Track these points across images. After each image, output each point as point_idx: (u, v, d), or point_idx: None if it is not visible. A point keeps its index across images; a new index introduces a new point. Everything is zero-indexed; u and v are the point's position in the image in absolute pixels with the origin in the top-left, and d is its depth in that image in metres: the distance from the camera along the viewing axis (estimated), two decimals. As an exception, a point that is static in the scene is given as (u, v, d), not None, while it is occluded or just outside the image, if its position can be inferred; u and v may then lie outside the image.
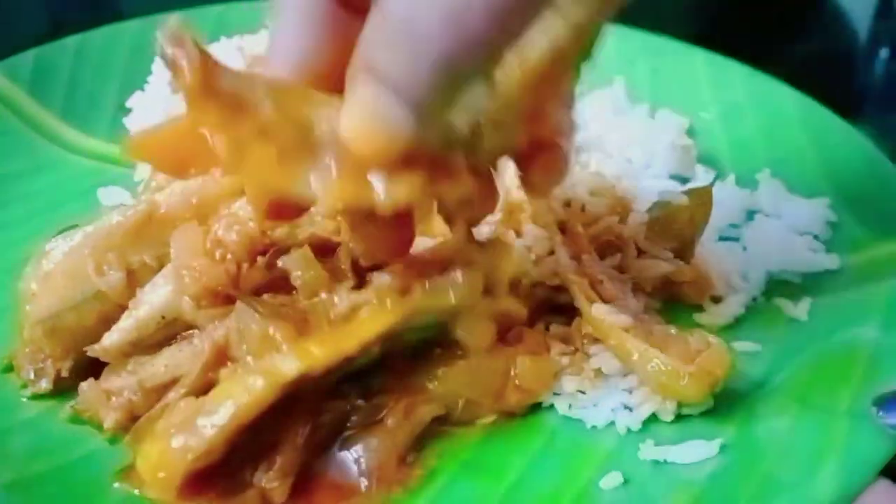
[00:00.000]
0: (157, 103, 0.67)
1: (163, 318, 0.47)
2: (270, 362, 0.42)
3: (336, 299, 0.45)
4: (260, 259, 0.47)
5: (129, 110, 0.80)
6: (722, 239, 0.68)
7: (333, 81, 0.42)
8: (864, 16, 1.28)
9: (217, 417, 0.41)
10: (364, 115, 0.38)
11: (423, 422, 0.49)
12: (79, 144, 0.78)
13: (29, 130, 0.78)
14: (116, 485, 0.47)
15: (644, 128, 0.79)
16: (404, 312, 0.45)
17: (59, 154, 0.77)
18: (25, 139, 0.76)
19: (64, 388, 0.53)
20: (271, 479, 0.44)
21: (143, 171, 0.71)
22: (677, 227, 0.62)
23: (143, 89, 0.73)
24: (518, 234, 0.63)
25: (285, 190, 0.39)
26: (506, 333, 0.53)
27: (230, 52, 0.71)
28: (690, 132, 0.81)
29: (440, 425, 0.51)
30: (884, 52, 1.20)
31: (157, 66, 0.72)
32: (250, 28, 0.88)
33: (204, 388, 0.45)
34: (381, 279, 0.46)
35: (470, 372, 0.50)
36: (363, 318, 0.45)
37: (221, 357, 0.45)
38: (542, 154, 0.47)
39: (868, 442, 0.46)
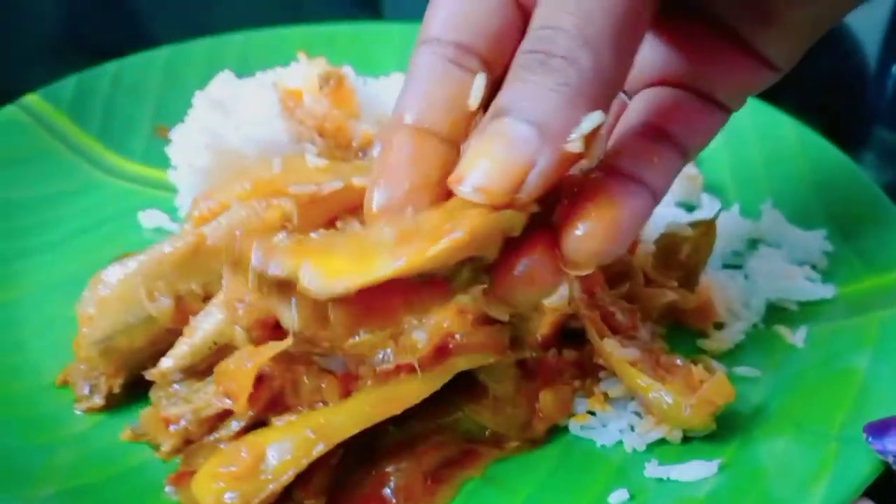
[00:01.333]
0: (197, 135, 0.72)
1: (215, 343, 0.52)
2: (325, 420, 0.48)
3: (381, 356, 0.50)
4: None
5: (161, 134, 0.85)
6: (726, 266, 0.73)
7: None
8: (874, 33, 1.31)
9: (275, 474, 0.46)
10: (490, 146, 0.39)
11: (450, 453, 0.53)
12: (117, 167, 0.82)
13: (70, 154, 0.82)
14: (167, 489, 0.52)
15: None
16: (444, 379, 0.50)
17: (99, 177, 0.81)
18: (67, 162, 0.81)
19: (114, 404, 0.58)
20: (308, 497, 0.49)
21: (183, 197, 0.75)
22: (682, 257, 0.66)
23: (182, 119, 0.77)
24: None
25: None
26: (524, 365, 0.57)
27: (265, 88, 0.75)
28: (698, 160, 0.85)
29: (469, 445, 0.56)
30: (895, 69, 1.24)
31: (197, 99, 0.76)
32: (274, 55, 0.92)
33: (254, 423, 0.50)
34: (419, 337, 0.50)
35: (496, 411, 0.55)
36: (407, 383, 0.49)
37: (274, 401, 0.50)
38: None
39: (855, 464, 0.50)
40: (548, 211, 0.42)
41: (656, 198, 0.47)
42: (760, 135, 0.84)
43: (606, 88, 0.40)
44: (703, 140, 0.51)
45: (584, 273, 0.42)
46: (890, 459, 0.49)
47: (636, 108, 0.50)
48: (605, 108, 0.40)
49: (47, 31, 1.18)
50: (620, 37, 0.39)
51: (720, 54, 0.49)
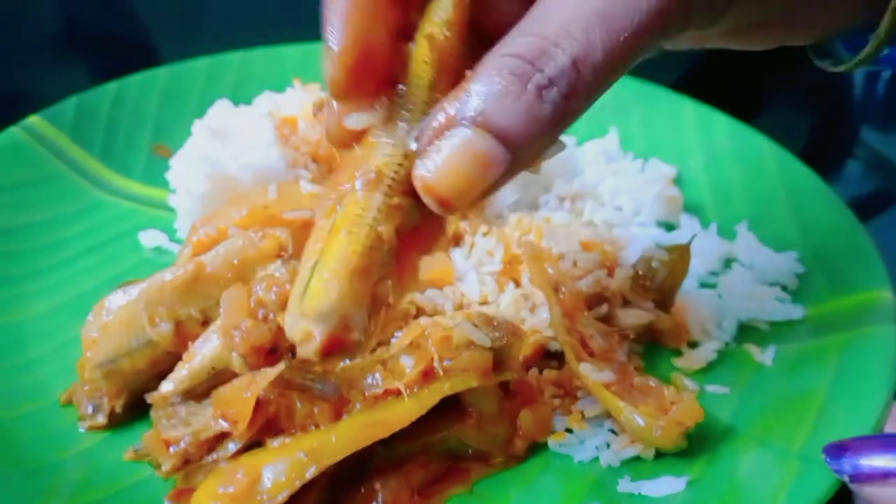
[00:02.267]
0: (196, 163, 0.75)
1: (213, 368, 0.55)
2: (318, 443, 0.51)
3: (370, 380, 0.53)
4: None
5: (163, 151, 0.88)
6: (702, 285, 0.76)
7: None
8: None
9: (270, 495, 0.49)
10: (455, 155, 0.39)
11: (435, 470, 0.57)
12: (118, 187, 0.85)
13: (73, 174, 0.85)
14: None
15: (634, 177, 0.86)
16: (430, 402, 0.53)
17: (101, 197, 0.84)
18: (70, 183, 0.84)
19: (117, 422, 0.61)
20: (301, 512, 0.52)
21: (182, 220, 0.78)
22: (658, 280, 0.69)
23: (180, 139, 0.81)
24: (517, 283, 0.71)
25: None
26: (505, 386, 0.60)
27: (261, 115, 0.78)
28: (678, 180, 0.88)
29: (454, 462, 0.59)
30: (885, 73, 1.26)
31: (196, 127, 0.79)
32: (271, 74, 0.95)
33: (250, 444, 0.53)
34: (406, 363, 0.54)
35: (479, 430, 0.58)
36: (395, 406, 0.53)
37: (269, 425, 0.53)
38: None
39: (814, 483, 0.53)
40: None
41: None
42: (739, 157, 0.88)
43: (577, 118, 0.42)
44: None
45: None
46: (846, 479, 0.52)
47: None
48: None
49: (48, 29, 1.20)
50: (613, 75, 0.41)
51: None
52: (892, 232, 0.96)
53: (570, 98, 0.40)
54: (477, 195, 0.41)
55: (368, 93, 0.45)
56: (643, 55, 0.43)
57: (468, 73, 0.41)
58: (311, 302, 0.41)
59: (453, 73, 0.43)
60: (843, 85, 1.26)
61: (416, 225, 0.44)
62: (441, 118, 0.40)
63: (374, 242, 0.42)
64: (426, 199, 0.41)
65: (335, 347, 0.41)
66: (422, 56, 0.44)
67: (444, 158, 0.40)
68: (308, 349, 0.41)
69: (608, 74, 0.41)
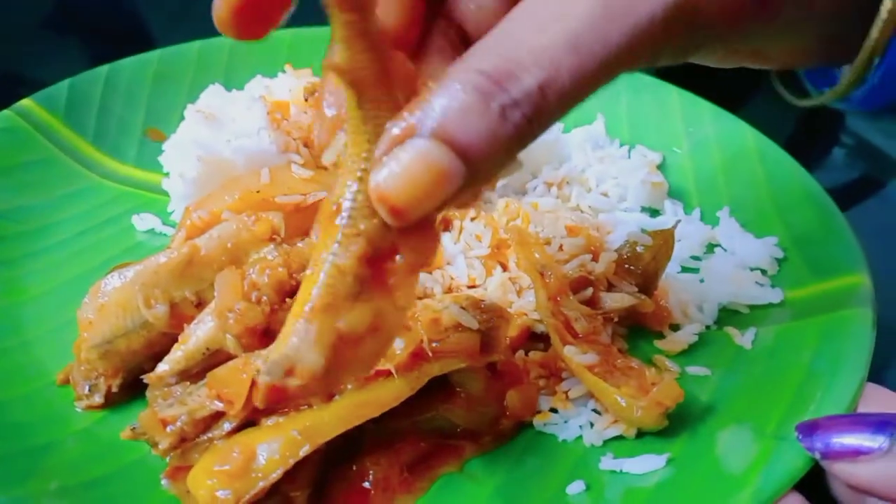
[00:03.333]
0: (189, 147, 0.76)
1: (207, 349, 0.56)
2: (310, 422, 0.53)
3: None
4: (288, 300, 0.56)
5: (155, 135, 0.89)
6: (684, 269, 0.78)
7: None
8: None
9: (265, 473, 0.51)
10: (412, 164, 0.39)
11: (425, 449, 0.59)
12: (111, 170, 0.86)
13: (66, 157, 0.85)
14: (164, 482, 0.57)
15: (620, 164, 0.88)
16: (419, 383, 0.55)
17: (94, 180, 0.85)
18: (64, 167, 0.84)
19: (113, 402, 0.63)
20: (293, 490, 0.54)
21: (175, 204, 0.80)
22: (642, 264, 0.71)
23: (172, 123, 0.82)
24: (504, 267, 0.73)
25: None
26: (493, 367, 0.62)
27: (253, 100, 0.79)
28: (663, 166, 0.90)
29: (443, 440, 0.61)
30: (877, 60, 1.27)
31: (189, 112, 0.80)
32: (262, 59, 0.96)
33: (244, 423, 0.55)
34: (397, 344, 0.55)
35: (467, 409, 0.60)
36: (385, 387, 0.54)
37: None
38: None
39: (787, 460, 0.55)
40: None
41: None
42: (723, 144, 0.89)
43: (536, 138, 0.42)
44: None
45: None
46: (817, 456, 0.54)
47: None
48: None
49: (42, 13, 1.20)
50: (578, 100, 0.41)
51: None
52: (877, 218, 0.99)
53: (533, 121, 0.40)
54: (430, 207, 0.40)
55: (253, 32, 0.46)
56: (609, 82, 0.43)
57: (431, 84, 0.40)
58: (272, 352, 0.41)
59: (401, 79, 0.42)
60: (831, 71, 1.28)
61: (396, 242, 0.42)
62: (401, 126, 0.40)
63: (333, 278, 0.41)
64: (379, 208, 0.40)
65: (273, 399, 0.41)
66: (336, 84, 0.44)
67: (400, 167, 0.39)
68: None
69: (573, 100, 0.41)
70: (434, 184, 0.39)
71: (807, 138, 1.15)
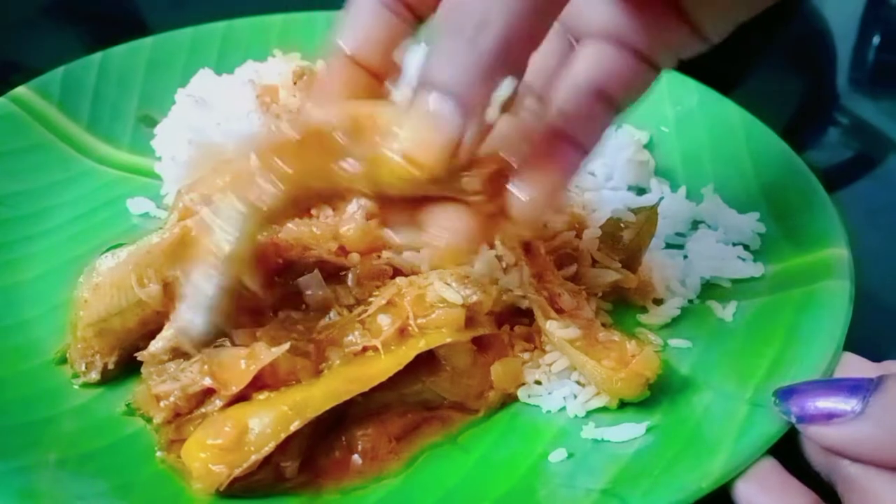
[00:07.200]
0: (180, 130, 0.77)
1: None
2: (301, 398, 0.55)
3: (350, 338, 0.56)
4: (277, 280, 0.58)
5: (148, 120, 0.90)
6: (669, 246, 0.79)
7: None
8: (856, 2, 1.35)
9: (256, 447, 0.53)
10: (419, 121, 0.45)
11: (412, 420, 0.60)
12: (105, 156, 0.88)
13: (61, 144, 0.87)
14: (159, 454, 0.59)
15: (607, 143, 0.89)
16: (407, 358, 0.57)
17: (89, 165, 0.86)
18: (58, 152, 0.86)
19: (109, 379, 0.64)
20: (284, 459, 0.55)
21: (168, 187, 0.81)
22: (626, 241, 0.72)
23: (166, 109, 0.83)
24: (490, 245, 0.74)
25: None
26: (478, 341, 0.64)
27: (242, 84, 0.80)
28: (650, 145, 0.91)
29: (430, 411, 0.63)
30: (875, 39, 1.27)
31: (179, 96, 0.81)
32: (254, 44, 0.97)
33: (236, 399, 0.56)
34: (383, 321, 0.57)
35: (453, 382, 0.62)
36: (372, 362, 0.56)
37: (254, 381, 0.56)
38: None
39: (762, 425, 0.57)
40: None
41: (588, 155, 0.54)
42: (708, 122, 0.90)
43: (522, 52, 0.46)
44: (636, 97, 0.57)
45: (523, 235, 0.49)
46: (793, 419, 0.55)
47: (582, 64, 0.55)
48: (523, 68, 0.46)
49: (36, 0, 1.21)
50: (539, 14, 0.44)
51: (663, 19, 0.54)
52: (872, 197, 1.00)
53: (500, 37, 0.43)
54: (445, 150, 0.45)
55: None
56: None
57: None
58: None
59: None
60: (829, 51, 1.28)
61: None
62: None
63: None
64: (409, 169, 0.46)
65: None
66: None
67: (407, 128, 0.46)
68: None
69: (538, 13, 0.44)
70: (435, 128, 0.44)
71: (802, 118, 1.16)
